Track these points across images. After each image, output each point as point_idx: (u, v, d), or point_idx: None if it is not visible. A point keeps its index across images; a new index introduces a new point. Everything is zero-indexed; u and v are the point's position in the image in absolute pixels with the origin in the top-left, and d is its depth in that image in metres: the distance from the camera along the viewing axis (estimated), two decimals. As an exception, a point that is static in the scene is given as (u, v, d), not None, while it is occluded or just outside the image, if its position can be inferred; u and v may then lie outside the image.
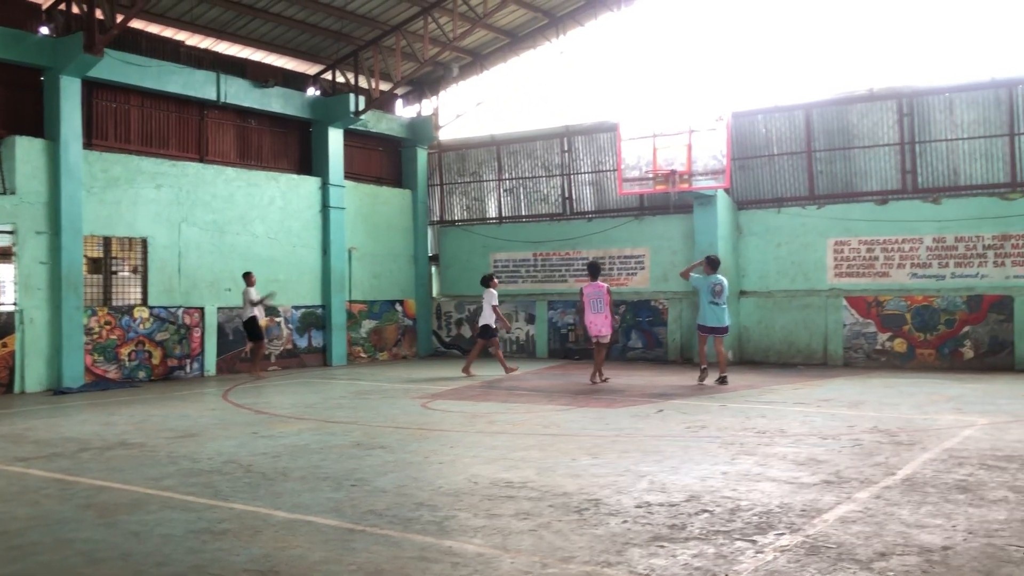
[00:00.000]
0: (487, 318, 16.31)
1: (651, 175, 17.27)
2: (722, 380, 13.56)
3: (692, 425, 9.63)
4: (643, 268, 19.31)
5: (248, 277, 16.33)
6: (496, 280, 16.91)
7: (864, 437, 8.66)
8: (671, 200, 18.65)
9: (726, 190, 17.65)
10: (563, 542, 5.16)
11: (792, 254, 17.64)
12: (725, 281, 14.06)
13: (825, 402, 11.52)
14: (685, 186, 17.01)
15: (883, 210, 16.84)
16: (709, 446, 8.30)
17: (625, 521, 5.61)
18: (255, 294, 16.29)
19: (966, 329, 15.90)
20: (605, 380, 14.36)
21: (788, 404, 11.37)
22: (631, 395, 12.65)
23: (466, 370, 16.15)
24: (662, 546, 5.06)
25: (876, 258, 16.85)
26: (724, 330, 14.03)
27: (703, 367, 14.03)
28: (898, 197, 16.88)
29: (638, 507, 5.97)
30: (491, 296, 16.25)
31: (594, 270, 14.80)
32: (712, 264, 14.12)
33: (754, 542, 5.11)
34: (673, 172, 16.95)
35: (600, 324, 14.41)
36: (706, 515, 5.74)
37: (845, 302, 16.95)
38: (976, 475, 6.80)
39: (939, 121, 16.64)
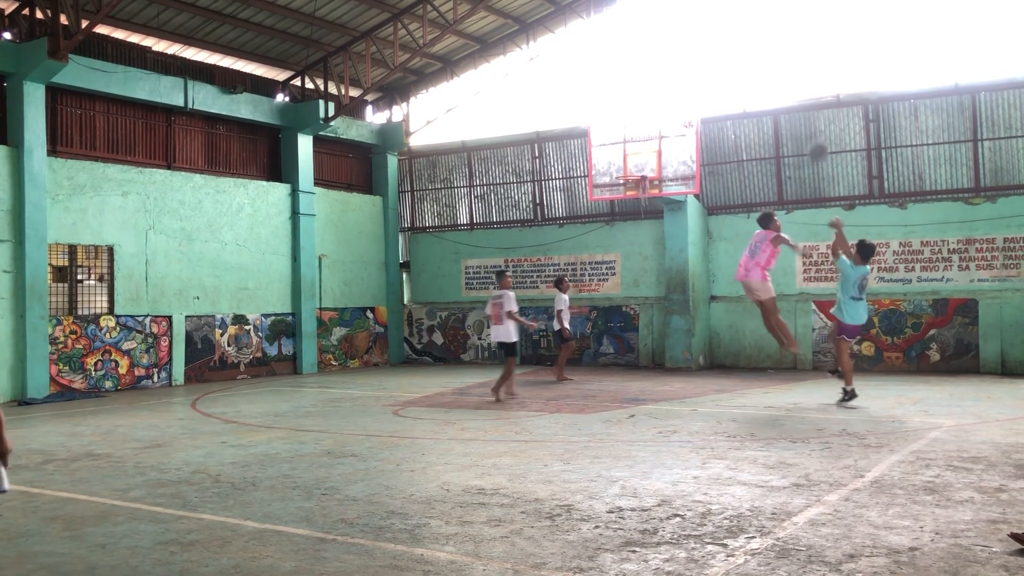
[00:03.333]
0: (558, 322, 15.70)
1: (622, 181, 17.36)
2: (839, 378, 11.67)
3: (663, 430, 9.66)
4: (614, 274, 19.37)
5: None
6: (566, 282, 16.08)
7: (833, 440, 8.74)
8: (642, 206, 18.78)
9: (696, 196, 17.76)
10: (535, 548, 5.15)
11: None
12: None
13: (795, 406, 11.61)
14: (655, 192, 17.12)
15: (850, 215, 17.01)
16: (680, 450, 8.33)
17: (597, 526, 5.61)
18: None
19: (932, 332, 16.11)
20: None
21: (758, 408, 11.44)
22: (603, 400, 12.67)
23: (560, 378, 15.60)
24: (634, 551, 5.07)
25: (844, 262, 17.01)
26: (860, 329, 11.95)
27: (850, 387, 11.42)
28: (865, 202, 17.09)
29: (610, 512, 5.98)
30: (560, 300, 15.70)
31: (766, 219, 12.23)
32: (864, 252, 11.46)
33: (725, 546, 5.13)
34: (643, 178, 17.04)
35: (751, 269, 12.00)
36: (677, 519, 5.76)
37: (814, 306, 17.11)
38: (943, 476, 6.88)
39: (905, 127, 16.87)
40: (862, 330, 11.66)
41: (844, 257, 11.43)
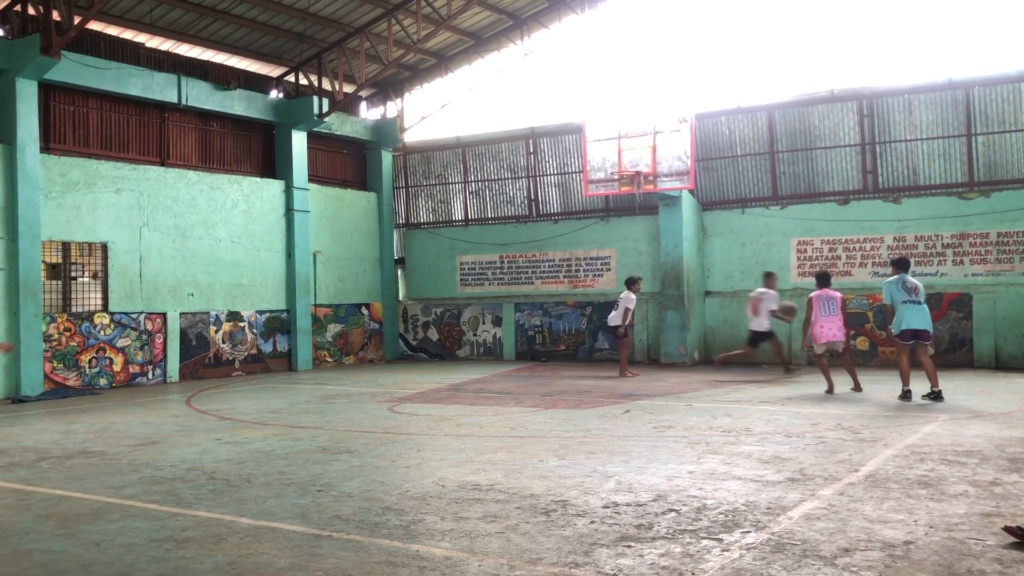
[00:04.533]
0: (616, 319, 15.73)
1: (616, 176, 17.36)
2: (935, 396, 11.01)
3: (658, 425, 9.67)
4: (609, 269, 19.38)
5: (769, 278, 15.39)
6: (638, 284, 16.19)
7: (828, 434, 8.75)
8: (636, 201, 18.76)
9: (691, 191, 17.77)
10: (531, 544, 5.15)
11: (756, 254, 17.80)
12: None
13: (789, 400, 11.63)
14: (650, 187, 17.13)
15: (845, 210, 17.05)
16: (675, 446, 8.34)
17: (592, 522, 5.62)
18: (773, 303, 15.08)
19: (926, 327, 16.12)
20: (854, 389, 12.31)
21: (753, 403, 11.46)
22: (598, 396, 12.68)
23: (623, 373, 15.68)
24: (629, 546, 5.07)
25: (838, 257, 17.06)
26: (928, 334, 11.30)
27: (906, 389, 11.30)
28: (859, 197, 17.11)
29: (605, 507, 5.98)
30: (629, 299, 15.64)
31: (824, 279, 12.82)
32: (900, 265, 11.62)
33: (720, 540, 5.14)
34: (638, 173, 17.04)
35: (836, 328, 12.37)
36: (673, 514, 5.76)
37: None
38: (937, 470, 6.90)
39: (899, 122, 16.89)
40: (917, 336, 11.23)
41: (886, 282, 11.58)
